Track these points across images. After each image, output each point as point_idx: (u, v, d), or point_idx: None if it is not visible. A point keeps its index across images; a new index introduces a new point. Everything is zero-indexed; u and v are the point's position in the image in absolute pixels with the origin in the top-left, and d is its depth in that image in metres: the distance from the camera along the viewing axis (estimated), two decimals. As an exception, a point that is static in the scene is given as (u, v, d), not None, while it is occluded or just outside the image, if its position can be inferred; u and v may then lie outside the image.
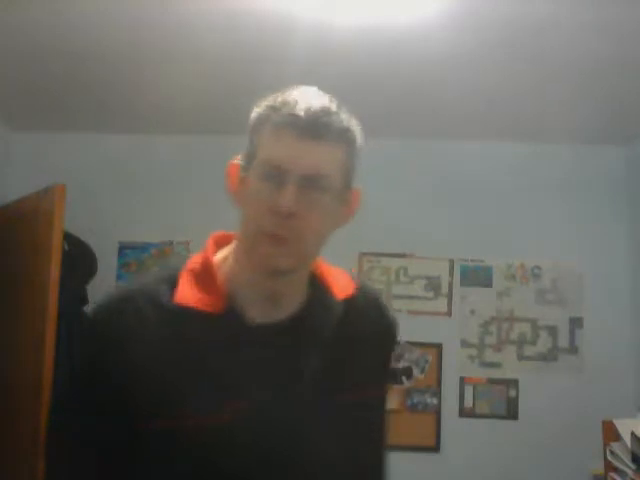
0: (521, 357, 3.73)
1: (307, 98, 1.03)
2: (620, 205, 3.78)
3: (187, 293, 1.05)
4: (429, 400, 3.70)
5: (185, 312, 1.03)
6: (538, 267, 3.79)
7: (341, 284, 1.15)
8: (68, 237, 3.34)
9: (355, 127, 1.07)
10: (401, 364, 3.72)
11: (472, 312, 3.76)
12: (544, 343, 3.73)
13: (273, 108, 1.04)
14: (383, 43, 2.72)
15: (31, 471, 2.92)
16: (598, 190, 3.81)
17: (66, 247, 3.29)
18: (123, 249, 3.95)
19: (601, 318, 3.69)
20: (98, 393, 1.04)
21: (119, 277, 3.93)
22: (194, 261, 1.12)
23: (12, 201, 3.56)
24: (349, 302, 1.13)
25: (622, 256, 3.75)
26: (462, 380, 3.71)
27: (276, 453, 1.02)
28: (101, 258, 3.62)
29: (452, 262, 3.81)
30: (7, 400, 3.20)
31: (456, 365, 3.72)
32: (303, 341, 1.07)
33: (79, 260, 3.44)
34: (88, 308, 3.47)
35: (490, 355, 3.74)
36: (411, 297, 3.79)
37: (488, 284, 3.79)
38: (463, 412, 3.69)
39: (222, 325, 1.03)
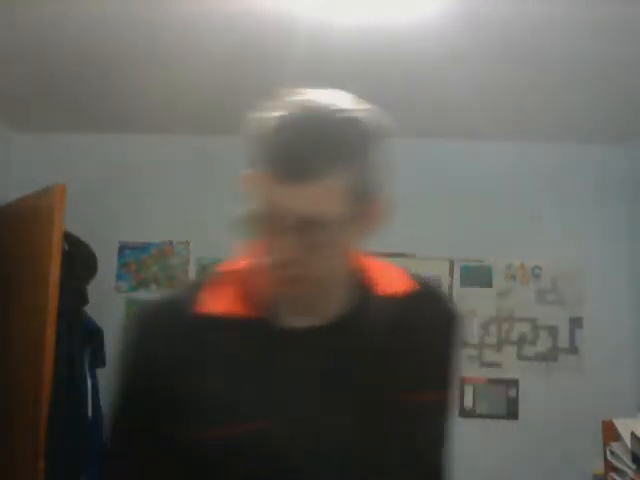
0: (521, 357, 3.73)
1: (300, 122, 0.90)
2: (620, 205, 3.78)
3: (215, 299, 1.00)
4: (429, 400, 3.69)
5: (211, 320, 0.98)
6: (538, 267, 3.79)
7: (391, 281, 1.07)
8: (68, 237, 3.34)
9: (368, 130, 0.95)
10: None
11: (472, 312, 3.76)
12: (544, 343, 3.73)
13: (261, 139, 0.91)
14: (383, 43, 2.72)
15: (31, 471, 2.92)
16: (599, 190, 3.81)
17: (66, 247, 3.29)
18: (123, 249, 3.95)
19: (601, 318, 3.70)
20: (139, 407, 1.01)
21: (119, 277, 3.94)
22: (225, 264, 1.07)
23: (12, 201, 3.56)
24: (404, 299, 1.05)
25: (622, 256, 3.75)
26: (462, 380, 3.71)
27: (309, 460, 0.96)
28: (101, 258, 3.62)
29: (452, 262, 3.81)
30: (7, 400, 3.20)
31: (456, 365, 3.71)
32: (345, 344, 0.99)
33: (79, 260, 3.43)
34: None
35: (490, 355, 3.74)
36: (411, 297, 3.79)
37: (488, 284, 3.79)
38: (463, 412, 3.69)
39: (255, 330, 0.98)
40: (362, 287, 1.04)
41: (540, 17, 2.47)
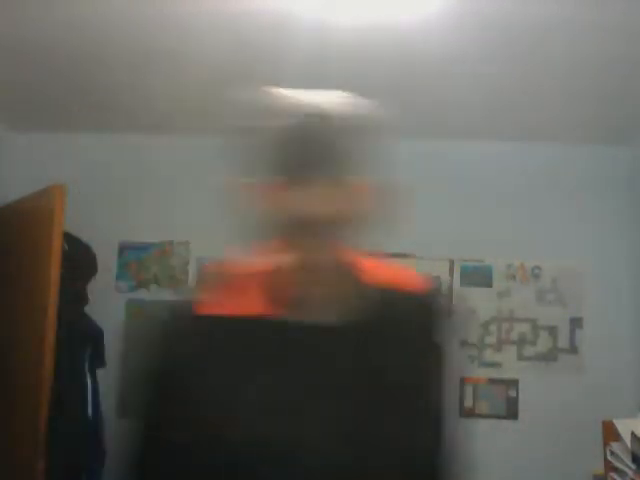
0: (521, 357, 3.73)
1: (307, 130, 0.98)
2: (621, 205, 3.78)
3: (235, 302, 1.04)
4: (429, 400, 3.69)
5: (232, 322, 1.02)
6: (538, 267, 3.79)
7: (406, 281, 1.12)
8: (68, 237, 3.34)
9: (367, 129, 1.05)
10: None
11: (472, 312, 3.76)
12: (544, 343, 3.73)
13: (272, 149, 0.98)
14: (383, 43, 2.72)
15: (31, 471, 2.92)
16: (599, 190, 3.81)
17: (66, 247, 3.29)
18: (123, 249, 3.95)
19: (601, 318, 3.70)
20: (169, 413, 1.02)
21: (119, 277, 3.93)
22: (232, 266, 1.10)
23: (12, 201, 3.56)
24: (420, 298, 1.11)
25: (622, 256, 3.75)
26: (462, 380, 3.71)
27: (327, 450, 0.99)
28: (101, 258, 3.62)
29: (452, 262, 3.81)
30: (7, 400, 3.20)
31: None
32: (354, 339, 1.04)
33: (79, 260, 3.44)
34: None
35: (490, 355, 3.74)
36: (411, 297, 3.79)
37: (488, 284, 3.79)
38: (463, 412, 3.69)
39: (277, 329, 1.02)
40: (376, 286, 1.08)
41: (542, 17, 2.47)
